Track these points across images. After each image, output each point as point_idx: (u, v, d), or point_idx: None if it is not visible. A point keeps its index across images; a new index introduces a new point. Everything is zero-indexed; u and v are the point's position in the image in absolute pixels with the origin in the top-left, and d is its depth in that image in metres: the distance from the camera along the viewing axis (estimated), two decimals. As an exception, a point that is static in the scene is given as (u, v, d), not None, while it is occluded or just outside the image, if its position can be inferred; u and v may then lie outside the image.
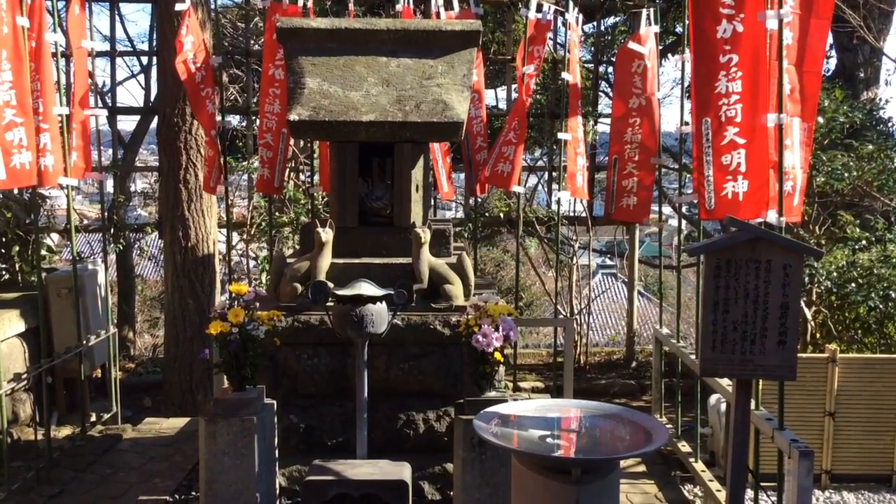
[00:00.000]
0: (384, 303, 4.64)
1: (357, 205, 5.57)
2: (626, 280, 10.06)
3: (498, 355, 4.71)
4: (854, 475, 6.28)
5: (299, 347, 5.13)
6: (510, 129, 7.21)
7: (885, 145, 6.47)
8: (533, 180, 11.10)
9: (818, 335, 7.50)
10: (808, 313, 6.69)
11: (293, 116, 5.25)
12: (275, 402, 4.91)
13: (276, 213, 8.27)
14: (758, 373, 4.13)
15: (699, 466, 6.09)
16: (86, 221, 9.91)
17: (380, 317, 4.60)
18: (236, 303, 4.70)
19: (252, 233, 8.41)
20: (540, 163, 9.87)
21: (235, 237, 8.43)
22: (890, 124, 8.65)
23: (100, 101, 9.24)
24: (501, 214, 8.72)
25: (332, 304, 4.67)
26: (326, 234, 5.14)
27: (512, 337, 4.78)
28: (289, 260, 5.34)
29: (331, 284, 4.94)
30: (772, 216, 4.53)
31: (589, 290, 9.09)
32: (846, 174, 6.16)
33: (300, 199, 8.36)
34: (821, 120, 6.33)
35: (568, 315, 9.33)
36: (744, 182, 4.65)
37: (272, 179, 7.01)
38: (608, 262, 18.70)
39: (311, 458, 4.76)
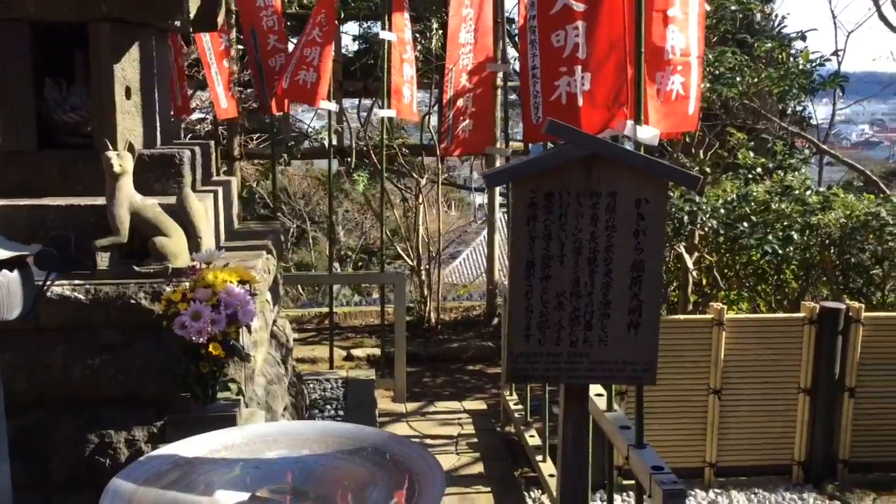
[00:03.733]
0: (20, 270, 2.87)
1: (34, 118, 3.73)
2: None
3: (214, 347, 3.03)
4: (746, 467, 4.94)
5: (-84, 338, 3.32)
6: (314, 24, 5.44)
7: (788, 43, 5.00)
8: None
9: (704, 283, 6.13)
10: (690, 261, 5.25)
11: None
12: None
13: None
14: (596, 373, 2.59)
15: (546, 467, 4.62)
16: None
17: (9, 292, 2.82)
18: None
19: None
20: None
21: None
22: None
23: None
24: (326, 143, 6.94)
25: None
26: (-44, 163, 3.29)
27: (242, 318, 3.11)
28: None
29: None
30: (629, 128, 2.94)
31: (438, 235, 7.49)
32: (738, 78, 4.69)
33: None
34: (706, 7, 4.81)
35: (415, 265, 7.72)
36: (584, 76, 3.04)
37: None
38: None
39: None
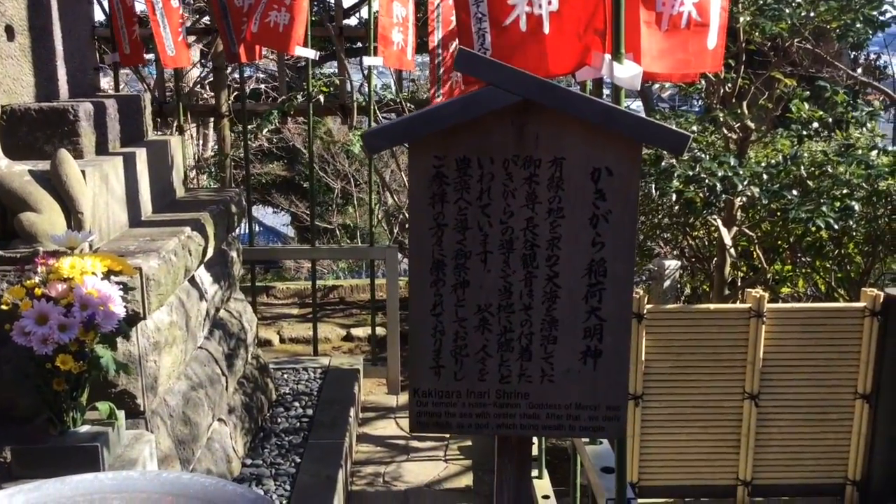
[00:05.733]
0: None
1: None
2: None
3: (64, 360, 2.34)
4: (787, 486, 4.09)
5: None
6: (286, -43, 4.66)
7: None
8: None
9: (754, 256, 5.21)
10: (727, 237, 4.36)
11: None
12: None
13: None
14: (538, 421, 1.80)
15: (541, 486, 3.86)
16: None
17: None
18: None
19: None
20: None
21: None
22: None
23: None
24: (322, 98, 6.15)
25: None
26: None
27: (102, 322, 2.39)
28: None
29: None
30: (606, 65, 2.10)
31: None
32: (786, 10, 3.76)
33: None
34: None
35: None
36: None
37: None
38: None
39: None
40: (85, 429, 2.50)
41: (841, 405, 4.00)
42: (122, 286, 2.50)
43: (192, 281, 3.44)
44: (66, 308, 2.36)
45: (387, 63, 4.92)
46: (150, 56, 5.59)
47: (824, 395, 4.00)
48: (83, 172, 2.86)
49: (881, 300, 3.85)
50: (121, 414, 2.60)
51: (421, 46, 8.73)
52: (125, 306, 2.50)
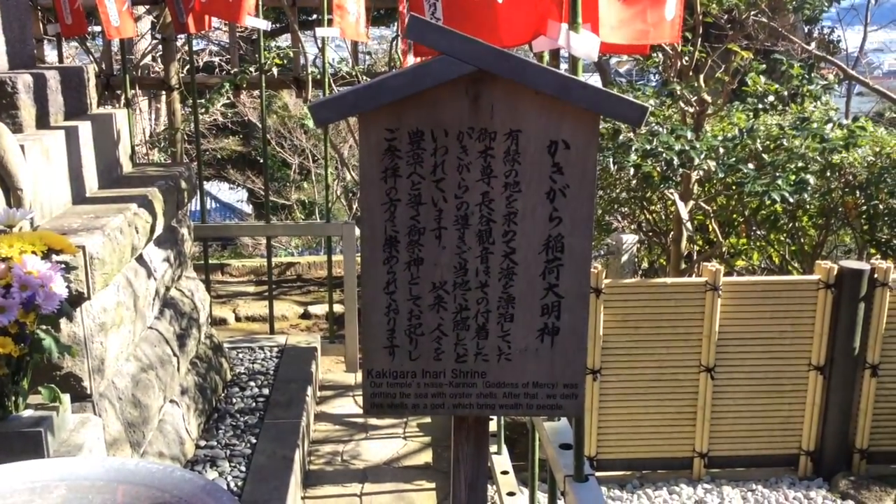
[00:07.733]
0: None
1: None
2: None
3: (3, 343, 2.25)
4: (743, 457, 4.14)
5: None
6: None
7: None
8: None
9: (710, 229, 5.23)
10: (684, 211, 4.36)
11: None
12: None
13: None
14: (494, 400, 1.76)
15: (500, 462, 3.85)
16: None
17: None
18: None
19: None
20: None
21: None
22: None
23: None
24: (275, 71, 6.00)
25: None
26: None
27: (43, 303, 2.30)
28: None
29: None
30: (563, 35, 2.05)
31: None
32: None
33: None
34: None
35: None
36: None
37: None
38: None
39: None
40: (27, 413, 2.41)
41: (795, 377, 4.06)
42: (63, 265, 2.40)
43: (140, 259, 3.33)
44: (4, 289, 2.26)
45: (344, 34, 4.80)
46: (98, 28, 5.41)
47: (779, 368, 4.05)
48: (22, 147, 2.74)
49: (835, 273, 3.90)
50: (66, 398, 2.51)
51: (376, 20, 8.57)
52: (68, 286, 2.40)
